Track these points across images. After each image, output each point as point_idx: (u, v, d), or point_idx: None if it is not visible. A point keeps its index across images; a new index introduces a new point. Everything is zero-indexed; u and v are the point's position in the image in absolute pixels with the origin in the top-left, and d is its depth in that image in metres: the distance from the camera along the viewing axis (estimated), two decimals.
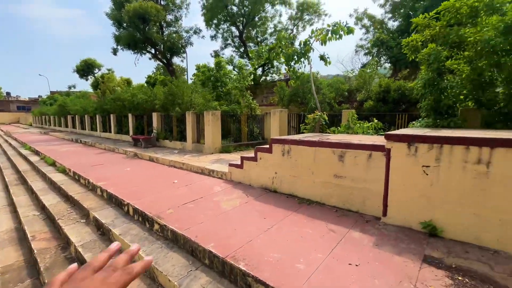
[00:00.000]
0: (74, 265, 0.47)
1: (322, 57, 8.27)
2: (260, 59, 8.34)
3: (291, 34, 8.03)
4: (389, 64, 18.30)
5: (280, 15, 22.93)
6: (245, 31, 24.61)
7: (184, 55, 23.44)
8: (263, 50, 8.15)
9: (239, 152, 9.16)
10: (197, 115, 9.50)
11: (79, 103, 19.91)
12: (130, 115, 13.34)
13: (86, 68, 38.79)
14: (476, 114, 5.41)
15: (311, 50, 8.03)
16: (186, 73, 29.94)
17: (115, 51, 20.31)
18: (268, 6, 21.69)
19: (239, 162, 5.65)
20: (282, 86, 11.75)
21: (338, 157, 4.01)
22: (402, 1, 17.28)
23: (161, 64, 23.43)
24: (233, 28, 25.07)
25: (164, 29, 22.55)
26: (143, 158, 9.07)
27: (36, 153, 11.33)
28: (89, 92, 32.80)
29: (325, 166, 4.17)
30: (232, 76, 11.85)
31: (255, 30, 24.61)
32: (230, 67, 17.03)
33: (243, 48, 24.29)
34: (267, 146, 5.04)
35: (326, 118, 7.25)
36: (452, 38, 5.04)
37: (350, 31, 7.57)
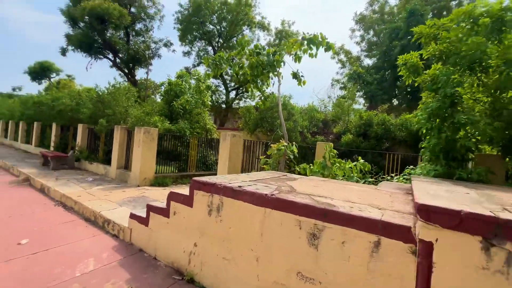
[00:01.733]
0: None
1: (295, 75, 6.64)
2: (217, 68, 6.45)
3: (258, 43, 6.38)
4: (363, 100, 17.83)
5: (258, 40, 22.23)
6: (221, 51, 23.47)
7: (150, 67, 21.28)
8: (221, 58, 6.32)
9: (180, 187, 6.77)
10: (130, 132, 7.10)
11: (6, 106, 16.27)
12: (54, 125, 10.41)
13: (40, 71, 34.59)
14: (499, 163, 3.85)
15: (282, 64, 6.39)
16: (160, 89, 27.57)
17: (64, 51, 17.48)
18: (246, 29, 20.94)
19: (144, 213, 3.33)
20: (249, 108, 9.96)
21: (308, 236, 1.92)
22: (378, 40, 17.28)
23: (122, 74, 20.90)
24: (209, 48, 23.86)
25: (131, 37, 20.50)
26: (34, 186, 6.26)
27: None
28: (36, 97, 28.48)
29: (281, 249, 2.05)
30: (187, 90, 9.79)
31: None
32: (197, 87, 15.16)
33: None
34: (187, 193, 2.84)
35: (295, 151, 5.34)
36: (474, 56, 3.51)
37: (329, 47, 6.10)
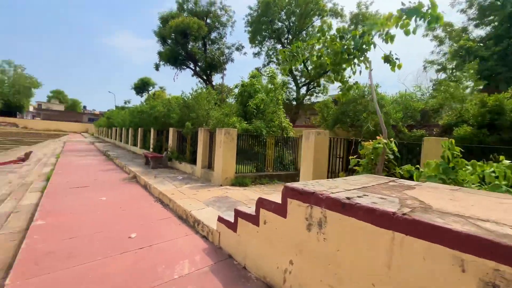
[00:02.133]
0: None
1: (387, 58, 5.53)
2: (293, 60, 5.99)
3: (341, 26, 5.52)
4: (471, 82, 13.99)
5: (331, 29, 20.67)
6: (299, 41, 23.03)
7: (225, 72, 22.70)
8: (298, 48, 5.82)
9: (259, 187, 6.67)
10: (211, 133, 7.47)
11: (120, 116, 20.32)
12: (152, 130, 12.20)
13: (142, 86, 42.21)
14: None
15: (371, 46, 5.41)
16: (233, 92, 29.48)
17: (157, 67, 20.66)
18: (316, 19, 19.72)
19: (231, 218, 3.19)
20: (326, 103, 9.11)
21: (482, 286, 1.23)
22: (497, 1, 13.36)
23: (201, 80, 23.13)
24: (278, 46, 23.72)
25: (207, 46, 22.38)
26: (139, 183, 7.29)
27: (53, 164, 10.73)
28: (139, 107, 34.91)
29: None
30: (261, 87, 9.69)
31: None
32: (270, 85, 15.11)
33: None
34: (279, 201, 2.49)
35: (396, 149, 4.36)
36: None
37: (437, 17, 4.76)
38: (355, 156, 4.57)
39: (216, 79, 30.12)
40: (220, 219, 3.39)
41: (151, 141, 12.08)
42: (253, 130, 7.83)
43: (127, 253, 3.11)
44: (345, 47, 5.28)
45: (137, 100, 72.38)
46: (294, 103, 22.59)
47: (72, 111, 68.02)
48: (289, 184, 2.43)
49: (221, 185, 6.46)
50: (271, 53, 23.99)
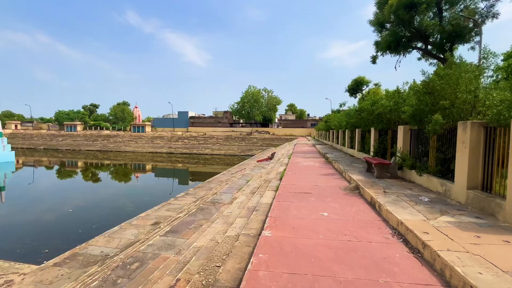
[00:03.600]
0: None
1: None
2: None
3: None
4: None
5: None
6: None
7: (477, 39, 15.20)
8: None
9: None
10: (488, 130, 4.23)
11: (336, 119, 20.66)
12: (372, 130, 10.38)
13: (355, 86, 41.66)
14: None
15: None
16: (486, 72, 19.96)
17: (374, 59, 18.25)
18: None
19: None
20: None
21: None
22: None
23: (435, 62, 17.27)
24: None
25: (444, 13, 16.36)
26: (363, 196, 5.82)
27: (285, 164, 12.51)
28: (358, 105, 34.30)
29: None
30: None
31: None
32: None
33: None
34: None
35: None
36: None
37: None
38: None
39: (461, 53, 21.83)
40: None
41: (372, 143, 10.29)
42: None
43: None
44: None
45: (351, 102, 73.93)
46: None
47: (300, 119, 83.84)
48: None
49: None
50: None
